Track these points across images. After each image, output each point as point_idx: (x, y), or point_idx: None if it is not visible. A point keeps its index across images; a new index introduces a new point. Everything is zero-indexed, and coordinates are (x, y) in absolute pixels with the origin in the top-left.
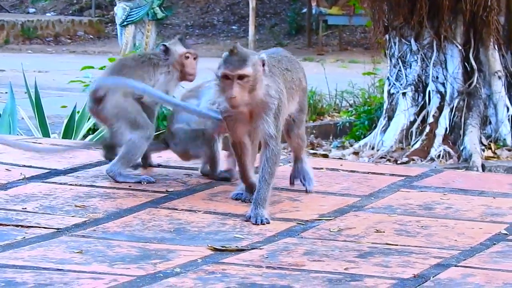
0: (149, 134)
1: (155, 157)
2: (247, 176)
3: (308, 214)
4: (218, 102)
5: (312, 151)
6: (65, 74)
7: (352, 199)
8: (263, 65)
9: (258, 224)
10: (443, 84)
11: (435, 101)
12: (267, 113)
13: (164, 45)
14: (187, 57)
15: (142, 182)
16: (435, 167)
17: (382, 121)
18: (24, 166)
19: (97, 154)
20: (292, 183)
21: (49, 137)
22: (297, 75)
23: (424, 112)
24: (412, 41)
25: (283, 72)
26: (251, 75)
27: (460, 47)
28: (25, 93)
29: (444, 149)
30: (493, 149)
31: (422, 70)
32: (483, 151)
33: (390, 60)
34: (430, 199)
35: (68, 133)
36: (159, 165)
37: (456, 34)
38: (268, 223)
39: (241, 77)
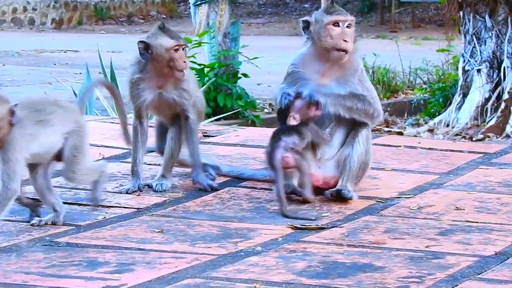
0: None
1: (233, 136)
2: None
3: (387, 192)
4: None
5: (386, 129)
6: None
7: (431, 177)
8: None
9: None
10: None
11: (510, 77)
12: (356, 74)
13: (143, 41)
14: (177, 50)
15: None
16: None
17: (457, 98)
18: (103, 146)
19: None
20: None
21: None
22: None
23: (499, 89)
24: (487, 17)
25: None
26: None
27: None
28: (100, 73)
29: None
30: None
31: (497, 47)
32: None
33: (465, 37)
34: (510, 176)
35: None
36: None
37: None
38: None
39: (349, 25)
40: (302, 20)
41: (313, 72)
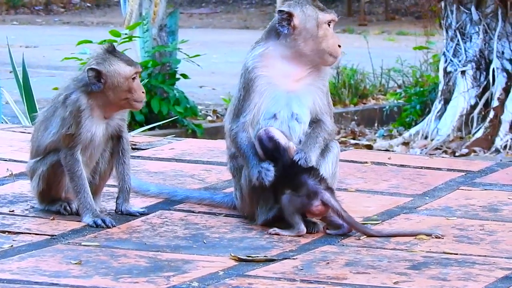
0: None
1: (167, 149)
2: None
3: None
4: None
5: (353, 141)
6: (58, 50)
7: (403, 199)
8: None
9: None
10: (510, 61)
11: (501, 80)
12: (326, 79)
13: (93, 69)
14: (134, 78)
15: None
16: (501, 160)
17: (437, 105)
18: (11, 160)
19: None
20: None
21: None
22: None
23: (487, 94)
24: (473, 9)
25: None
26: None
27: None
28: (10, 72)
29: (511, 138)
30: None
31: (484, 44)
32: None
33: (447, 32)
34: (496, 199)
35: None
36: None
37: None
38: None
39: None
40: (283, 11)
41: (283, 76)
